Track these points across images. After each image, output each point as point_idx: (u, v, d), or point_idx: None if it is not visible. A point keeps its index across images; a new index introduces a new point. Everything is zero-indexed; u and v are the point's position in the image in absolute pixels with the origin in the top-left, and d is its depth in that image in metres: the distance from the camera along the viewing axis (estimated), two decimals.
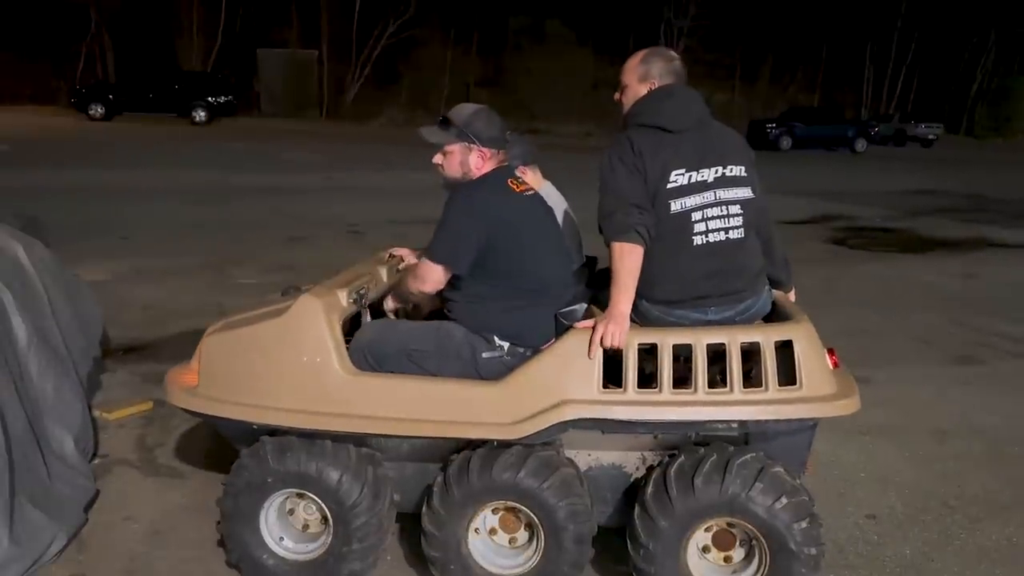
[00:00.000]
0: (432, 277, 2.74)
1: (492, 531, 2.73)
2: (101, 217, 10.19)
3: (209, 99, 28.56)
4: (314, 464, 2.64)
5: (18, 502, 2.82)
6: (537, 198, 2.95)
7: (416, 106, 36.74)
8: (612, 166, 2.67)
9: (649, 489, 2.54)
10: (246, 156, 18.77)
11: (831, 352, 2.68)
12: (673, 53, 2.92)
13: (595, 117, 32.44)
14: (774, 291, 2.93)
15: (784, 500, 2.44)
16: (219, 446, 3.93)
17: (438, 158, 2.87)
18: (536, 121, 35.08)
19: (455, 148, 2.83)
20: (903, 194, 16.52)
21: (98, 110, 27.47)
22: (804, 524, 2.45)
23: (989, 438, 4.27)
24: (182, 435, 4.06)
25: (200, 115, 28.23)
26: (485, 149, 2.81)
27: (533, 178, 3.59)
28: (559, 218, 3.03)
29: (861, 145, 31.06)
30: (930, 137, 36.70)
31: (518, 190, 2.84)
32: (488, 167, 2.84)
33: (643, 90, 2.80)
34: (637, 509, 2.56)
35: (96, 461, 3.71)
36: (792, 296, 3.08)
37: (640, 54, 2.87)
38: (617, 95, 2.91)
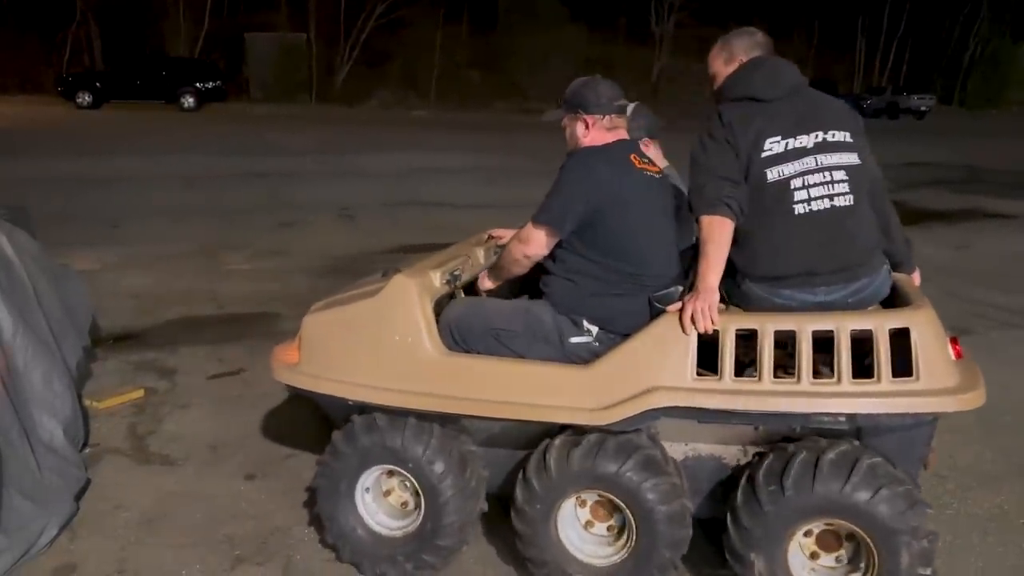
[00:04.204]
0: (535, 239, 2.69)
1: (583, 508, 2.68)
2: (90, 206, 10.13)
3: (197, 85, 28.33)
4: (435, 458, 2.66)
5: (7, 493, 2.81)
6: (661, 180, 2.82)
7: (407, 87, 36.55)
8: (702, 142, 2.56)
9: (801, 456, 2.37)
10: (236, 141, 18.62)
11: (954, 341, 2.46)
12: (754, 28, 2.81)
13: None
14: (894, 273, 2.72)
15: (923, 543, 2.31)
16: (211, 434, 3.92)
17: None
18: (529, 101, 34.92)
19: (566, 120, 2.84)
20: (896, 166, 16.46)
21: (86, 98, 27.21)
22: (927, 571, 2.33)
23: (981, 408, 4.24)
24: (173, 423, 4.05)
25: (189, 101, 28.01)
26: (589, 116, 2.76)
27: (655, 153, 3.48)
28: (674, 199, 2.92)
29: None
30: (923, 109, 36.66)
31: (639, 167, 2.74)
32: (597, 134, 2.77)
33: (732, 71, 2.70)
34: (766, 478, 2.40)
35: (87, 450, 3.70)
36: (916, 278, 2.87)
37: (719, 41, 2.79)
38: (709, 90, 2.82)
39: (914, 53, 44.39)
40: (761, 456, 2.51)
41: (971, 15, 42.49)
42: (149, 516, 3.19)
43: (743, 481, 2.48)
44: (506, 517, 2.71)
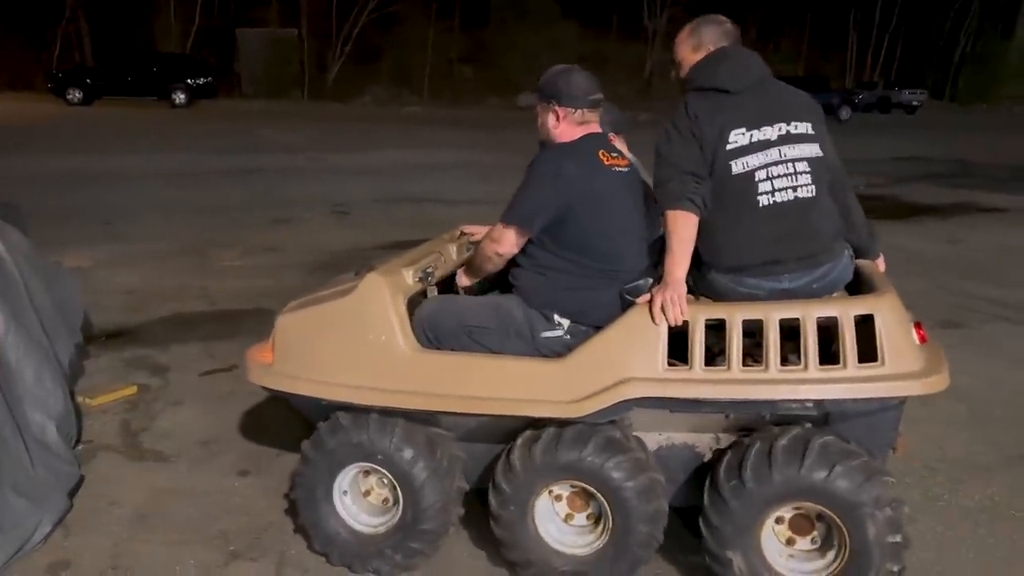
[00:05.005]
0: (506, 238, 2.68)
1: (559, 502, 2.69)
2: (82, 203, 10.09)
3: (189, 81, 28.27)
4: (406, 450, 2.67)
5: (0, 490, 2.80)
6: (630, 174, 2.82)
7: (399, 84, 36.51)
8: (667, 135, 2.57)
9: (756, 446, 2.42)
10: (228, 138, 18.60)
11: (918, 326, 2.49)
12: (722, 17, 2.80)
13: None
14: (860, 260, 2.78)
15: (887, 511, 2.33)
16: (204, 431, 3.92)
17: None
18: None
19: (538, 108, 2.83)
20: (888, 161, 16.54)
21: (76, 95, 27.14)
22: (896, 538, 2.36)
23: (972, 401, 4.29)
24: (166, 420, 4.04)
25: (180, 98, 27.95)
26: (561, 108, 2.75)
27: (620, 148, 3.50)
28: (643, 192, 2.91)
29: (845, 113, 31.13)
30: (914, 103, 36.80)
31: (608, 163, 2.73)
32: (567, 127, 2.76)
33: (699, 59, 2.70)
34: (726, 474, 2.44)
35: (80, 447, 3.69)
36: (881, 264, 2.90)
37: (688, 27, 2.78)
38: (674, 74, 2.81)
39: (905, 48, 44.58)
40: (720, 454, 2.56)
41: (962, 10, 42.64)
42: (143, 512, 3.19)
43: (707, 483, 2.52)
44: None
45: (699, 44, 2.72)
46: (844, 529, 2.38)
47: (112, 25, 33.16)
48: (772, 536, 2.52)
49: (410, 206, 10.50)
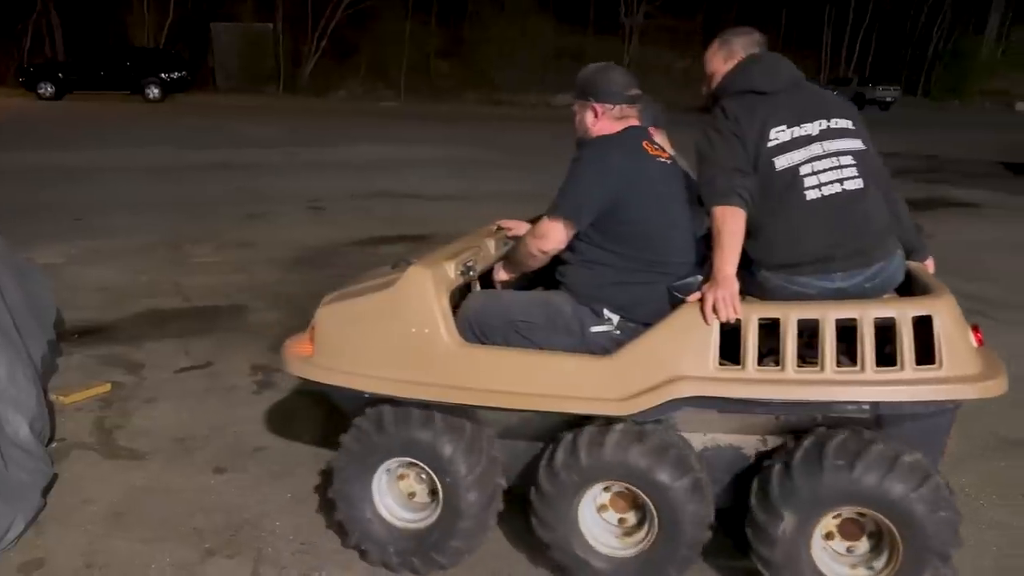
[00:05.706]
0: (554, 234, 2.64)
1: (602, 507, 2.65)
2: (53, 199, 9.97)
3: (162, 75, 28.04)
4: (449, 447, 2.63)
5: None
6: (673, 167, 2.81)
7: (375, 79, 36.35)
8: (708, 138, 2.58)
9: (879, 448, 2.34)
10: (202, 133, 18.44)
11: (975, 329, 2.45)
12: (750, 28, 2.84)
13: (558, 86, 32.29)
14: (909, 262, 2.74)
15: (948, 572, 2.33)
16: (179, 428, 3.89)
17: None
18: (499, 92, 34.85)
19: (576, 107, 2.83)
20: None
21: (48, 89, 26.83)
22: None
23: None
24: (141, 417, 4.00)
25: (153, 92, 27.71)
26: (599, 105, 2.75)
27: (661, 140, 3.44)
28: (687, 185, 2.88)
29: None
30: (888, 100, 37.15)
31: (653, 153, 2.74)
32: (606, 123, 2.76)
33: (730, 68, 2.72)
34: (836, 452, 2.36)
35: (53, 445, 3.64)
36: (930, 266, 2.89)
37: (716, 40, 2.80)
38: (705, 88, 2.82)
39: (879, 45, 44.97)
40: (832, 429, 2.46)
41: (935, 7, 43.10)
42: (117, 510, 3.16)
43: (809, 443, 2.42)
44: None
45: (730, 54, 2.74)
46: (901, 564, 2.35)
47: (84, 19, 32.76)
48: (823, 521, 2.47)
49: (386, 202, 10.46)
